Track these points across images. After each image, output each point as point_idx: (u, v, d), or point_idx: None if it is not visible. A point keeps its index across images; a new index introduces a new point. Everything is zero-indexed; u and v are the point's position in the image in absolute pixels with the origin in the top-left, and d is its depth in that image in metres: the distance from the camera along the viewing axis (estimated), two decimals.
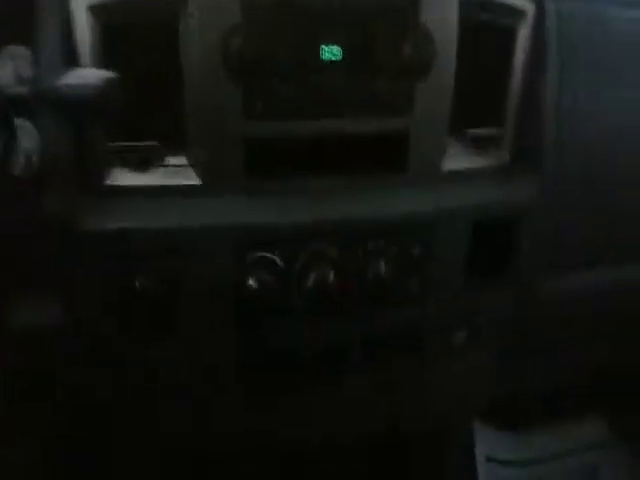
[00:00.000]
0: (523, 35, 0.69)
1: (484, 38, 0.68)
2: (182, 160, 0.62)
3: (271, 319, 0.65)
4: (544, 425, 1.29)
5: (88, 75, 0.49)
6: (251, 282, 0.62)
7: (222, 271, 0.62)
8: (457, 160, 0.70)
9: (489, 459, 1.28)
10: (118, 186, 0.61)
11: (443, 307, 0.72)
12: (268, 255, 0.63)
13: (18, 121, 0.51)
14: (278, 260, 0.63)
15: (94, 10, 0.56)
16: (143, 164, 0.61)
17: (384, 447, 0.95)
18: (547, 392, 1.11)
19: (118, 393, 0.66)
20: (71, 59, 0.56)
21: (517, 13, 0.68)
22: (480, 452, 1.27)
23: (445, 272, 0.70)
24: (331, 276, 0.63)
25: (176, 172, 0.62)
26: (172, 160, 0.62)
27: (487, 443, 1.27)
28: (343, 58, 0.61)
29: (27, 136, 0.56)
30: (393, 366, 0.72)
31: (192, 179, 0.62)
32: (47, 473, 0.75)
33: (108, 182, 0.61)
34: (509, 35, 0.69)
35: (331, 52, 0.61)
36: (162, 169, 0.62)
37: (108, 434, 0.71)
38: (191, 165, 0.62)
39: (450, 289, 0.71)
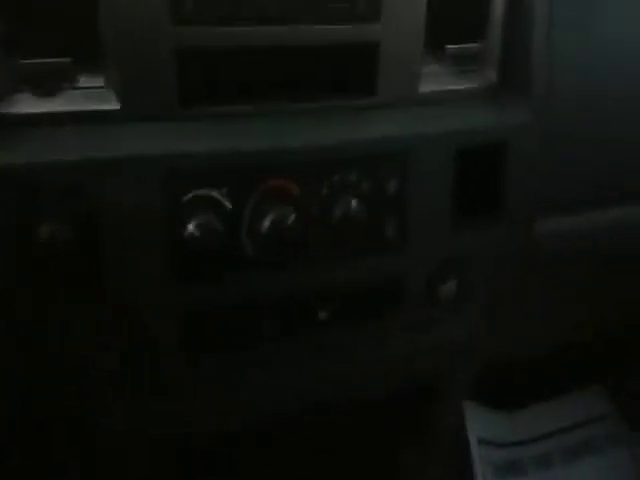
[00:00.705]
0: None
1: None
2: (99, 81, 0.51)
3: (217, 272, 0.53)
4: (537, 404, 1.21)
5: None
6: (190, 228, 0.50)
7: (153, 215, 0.50)
8: (436, 80, 0.60)
9: (481, 441, 1.19)
10: (22, 114, 0.49)
11: (426, 253, 0.61)
12: (210, 193, 0.51)
13: None
14: (224, 200, 0.51)
15: None
16: (52, 86, 0.50)
17: (365, 415, 0.83)
18: (540, 357, 1.01)
19: (35, 369, 0.53)
20: None
21: None
22: (472, 434, 1.18)
23: (426, 210, 0.59)
24: (291, 218, 0.52)
25: (92, 95, 0.50)
26: (86, 81, 0.50)
27: (480, 424, 1.19)
28: None
29: None
30: (369, 324, 0.61)
31: (111, 103, 0.50)
32: None
33: (10, 110, 0.48)
34: None
35: None
36: (75, 92, 0.50)
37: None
38: (109, 86, 0.50)
39: (433, 231, 0.60)
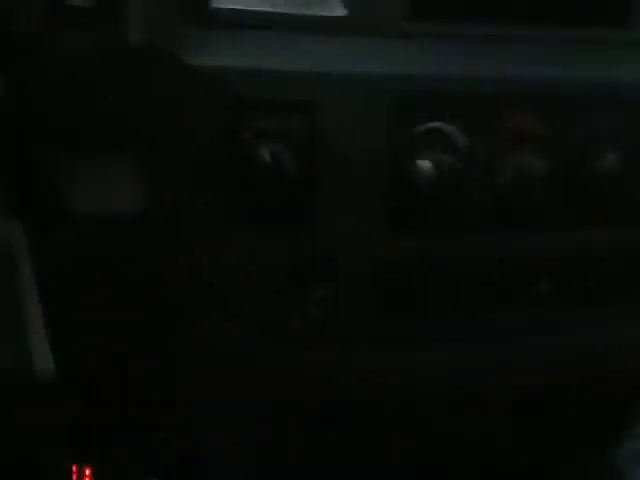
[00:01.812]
0: None
1: None
2: None
3: (443, 219, 0.44)
4: None
5: None
6: (420, 165, 0.41)
7: (376, 145, 0.41)
8: None
9: None
10: (238, 10, 0.41)
11: None
12: (443, 126, 0.42)
13: None
14: (458, 134, 0.42)
15: None
16: None
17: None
18: None
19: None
20: None
21: None
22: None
23: None
24: (538, 168, 0.42)
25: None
26: None
27: None
28: None
29: None
30: (596, 301, 0.50)
31: (336, 9, 0.42)
32: None
33: (218, 5, 0.41)
34: None
35: None
36: None
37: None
38: None
39: None
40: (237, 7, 0.41)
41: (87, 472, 0.69)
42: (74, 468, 0.62)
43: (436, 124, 0.41)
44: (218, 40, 0.40)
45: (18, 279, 0.37)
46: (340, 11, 0.42)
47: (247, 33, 0.41)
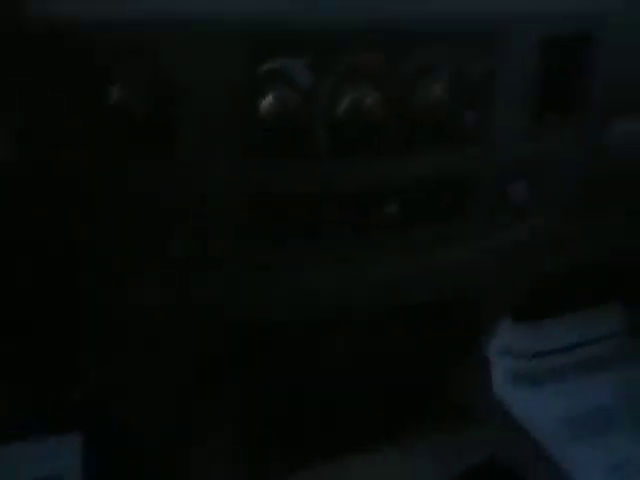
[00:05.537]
0: None
1: None
2: None
3: (287, 153, 0.50)
4: (557, 317, 1.21)
5: None
6: (266, 101, 0.46)
7: (226, 85, 0.46)
8: None
9: (504, 351, 1.20)
10: None
11: (502, 149, 0.57)
12: (287, 65, 0.47)
13: None
14: (301, 73, 0.47)
15: None
16: None
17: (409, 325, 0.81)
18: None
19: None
20: None
21: None
22: (495, 344, 1.18)
23: (506, 102, 0.55)
24: (373, 98, 0.48)
25: None
26: None
27: (503, 335, 1.18)
28: None
29: None
30: (436, 222, 0.58)
31: None
32: None
33: None
34: None
35: None
36: None
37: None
38: None
39: (511, 125, 0.56)
40: None
41: None
42: None
43: (277, 63, 0.47)
44: None
45: None
46: None
47: None
